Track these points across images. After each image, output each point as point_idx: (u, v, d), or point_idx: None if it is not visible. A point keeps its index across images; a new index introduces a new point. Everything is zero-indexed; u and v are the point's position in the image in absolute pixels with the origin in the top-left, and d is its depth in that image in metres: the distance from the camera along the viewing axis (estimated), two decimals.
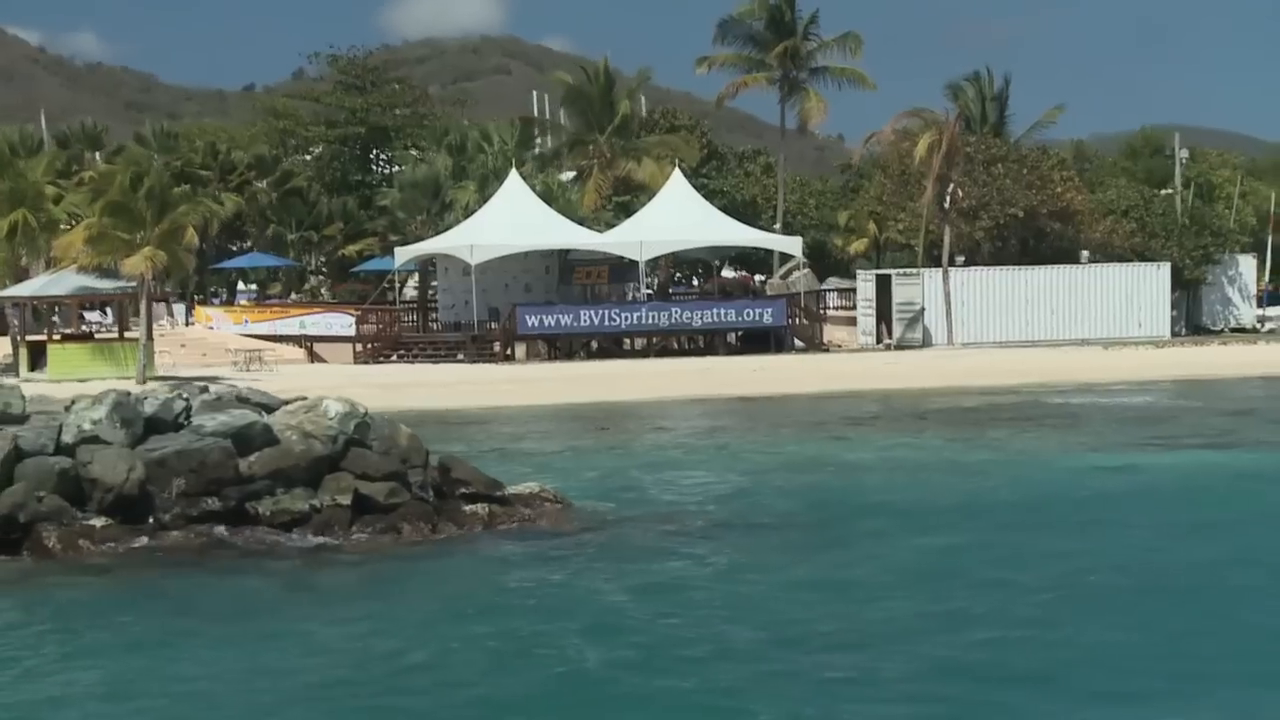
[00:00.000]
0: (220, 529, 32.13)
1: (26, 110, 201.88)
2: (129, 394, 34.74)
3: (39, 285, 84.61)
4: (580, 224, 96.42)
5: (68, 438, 32.47)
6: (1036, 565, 30.87)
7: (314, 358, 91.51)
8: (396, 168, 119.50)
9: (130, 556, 31.20)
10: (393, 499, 33.64)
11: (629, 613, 27.97)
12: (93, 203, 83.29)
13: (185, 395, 35.25)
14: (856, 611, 27.25)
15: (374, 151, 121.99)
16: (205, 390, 37.01)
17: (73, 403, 34.16)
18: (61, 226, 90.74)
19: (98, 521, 31.64)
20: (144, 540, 31.63)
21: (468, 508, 34.68)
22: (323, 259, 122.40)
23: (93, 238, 79.28)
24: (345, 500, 33.22)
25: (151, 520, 31.96)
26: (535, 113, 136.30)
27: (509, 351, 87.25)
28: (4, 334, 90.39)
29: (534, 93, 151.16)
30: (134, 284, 79.60)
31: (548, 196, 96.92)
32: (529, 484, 37.04)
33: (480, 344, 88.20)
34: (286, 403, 35.44)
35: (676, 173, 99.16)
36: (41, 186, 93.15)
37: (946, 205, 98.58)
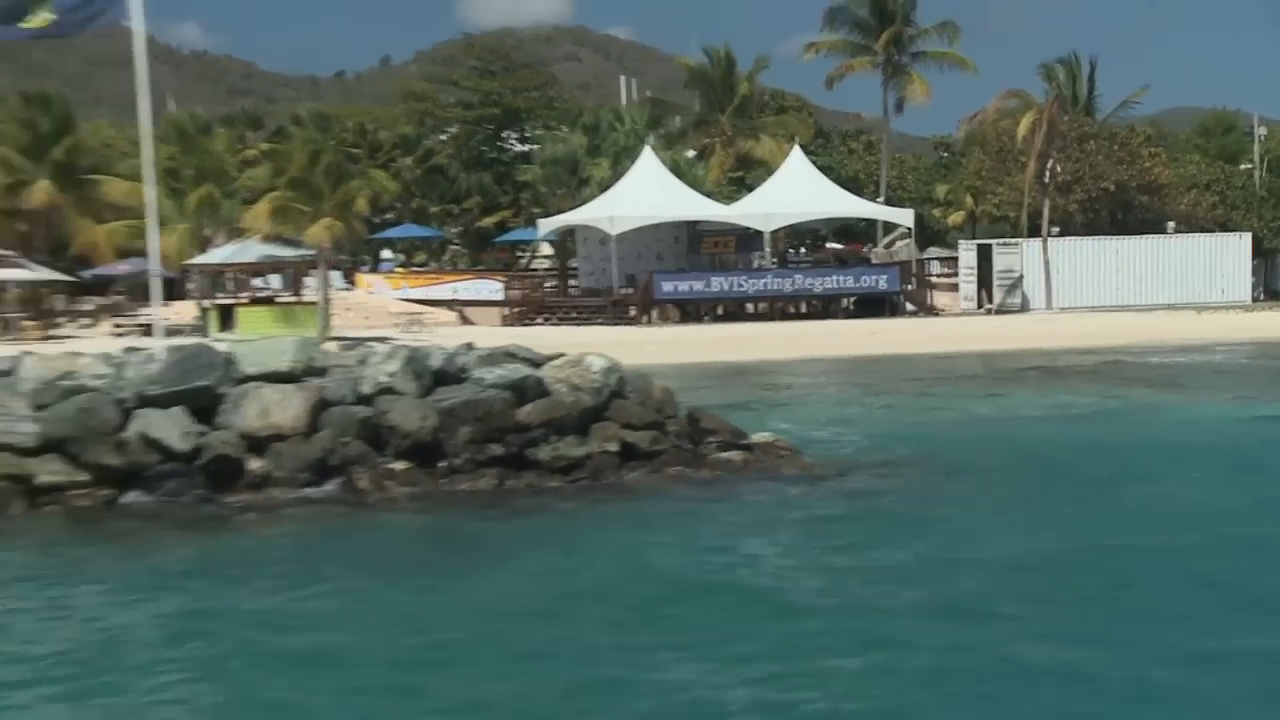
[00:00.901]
0: (504, 472, 32.71)
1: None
2: (419, 349, 35.49)
3: (229, 253, 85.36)
4: (707, 197, 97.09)
5: (366, 389, 33.12)
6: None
7: (465, 321, 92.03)
8: (530, 146, 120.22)
9: (428, 495, 31.87)
10: (655, 446, 34.18)
11: (891, 542, 28.37)
12: (275, 177, 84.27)
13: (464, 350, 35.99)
14: (1129, 549, 27.02)
15: (506, 131, 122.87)
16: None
17: (364, 358, 35.09)
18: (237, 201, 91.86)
19: (398, 465, 32.52)
20: (438, 482, 32.46)
21: (720, 454, 35.17)
22: (460, 230, 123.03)
23: (277, 210, 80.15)
24: (613, 447, 33.63)
25: (443, 464, 32.81)
26: (624, 98, 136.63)
27: (646, 315, 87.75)
28: (180, 299, 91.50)
29: (622, 78, 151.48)
30: (312, 252, 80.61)
31: (676, 172, 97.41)
32: (762, 433, 37.13)
33: (619, 308, 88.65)
34: (551, 358, 36.11)
35: (796, 149, 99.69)
36: (224, 163, 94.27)
37: (1046, 180, 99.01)
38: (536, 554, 27.87)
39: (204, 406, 31.87)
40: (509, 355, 35.49)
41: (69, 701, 19.26)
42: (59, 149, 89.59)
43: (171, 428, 31.41)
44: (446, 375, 33.97)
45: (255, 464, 31.57)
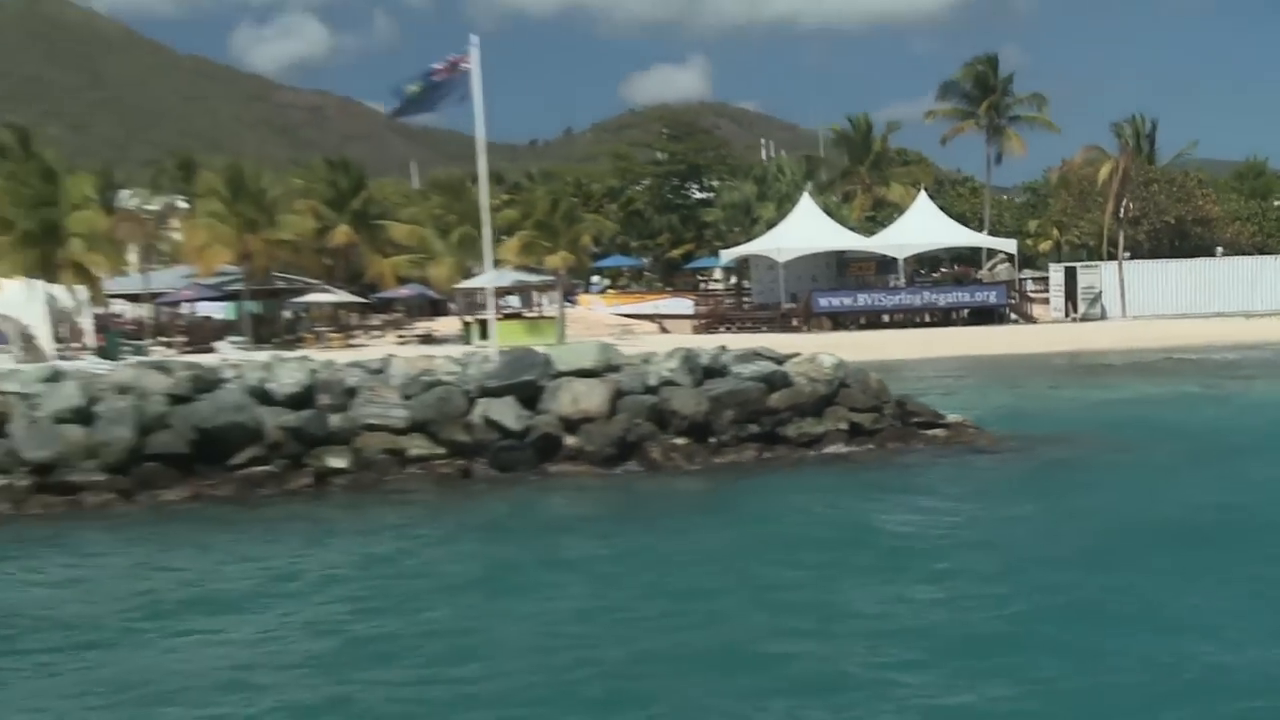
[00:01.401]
0: (761, 446, 33.44)
1: (382, 164, 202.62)
2: (692, 350, 36.14)
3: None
4: (852, 231, 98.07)
5: (652, 381, 33.82)
6: None
7: (663, 330, 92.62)
8: (707, 194, 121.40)
9: (703, 465, 32.47)
10: (875, 425, 34.72)
11: (1088, 492, 29.02)
12: (522, 220, 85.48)
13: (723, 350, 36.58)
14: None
15: (689, 182, 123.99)
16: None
17: (649, 358, 35.82)
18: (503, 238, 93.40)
19: (679, 440, 33.23)
20: (710, 454, 33.07)
21: (926, 431, 35.71)
22: (654, 259, 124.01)
23: (525, 245, 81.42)
24: (843, 426, 34.27)
25: (713, 440, 33.48)
26: (763, 156, 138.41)
27: (806, 325, 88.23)
28: (442, 315, 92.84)
29: (763, 141, 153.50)
30: (551, 277, 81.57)
31: (827, 212, 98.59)
32: (954, 415, 37.31)
33: (785, 319, 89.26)
34: (790, 356, 36.68)
35: (923, 194, 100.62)
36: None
37: (1120, 216, 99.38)
38: (786, 508, 28.42)
39: (530, 396, 32.72)
40: (757, 354, 36.01)
41: (466, 606, 20.78)
42: (356, 201, 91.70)
43: (507, 412, 32.27)
44: (713, 370, 34.67)
45: (570, 440, 32.39)
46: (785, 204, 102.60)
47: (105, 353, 64.52)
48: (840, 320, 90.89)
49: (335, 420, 31.68)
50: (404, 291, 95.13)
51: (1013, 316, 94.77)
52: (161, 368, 33.80)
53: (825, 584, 21.44)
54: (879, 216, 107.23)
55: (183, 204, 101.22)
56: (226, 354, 56.69)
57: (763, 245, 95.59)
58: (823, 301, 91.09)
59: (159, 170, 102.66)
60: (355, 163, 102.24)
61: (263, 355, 45.79)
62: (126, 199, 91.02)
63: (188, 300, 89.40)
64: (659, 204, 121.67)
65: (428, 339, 79.67)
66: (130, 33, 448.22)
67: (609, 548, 25.12)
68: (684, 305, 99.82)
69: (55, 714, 16.10)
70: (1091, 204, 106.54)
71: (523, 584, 22.26)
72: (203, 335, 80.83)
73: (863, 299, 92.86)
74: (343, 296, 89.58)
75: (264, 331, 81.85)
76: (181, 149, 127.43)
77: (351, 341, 79.05)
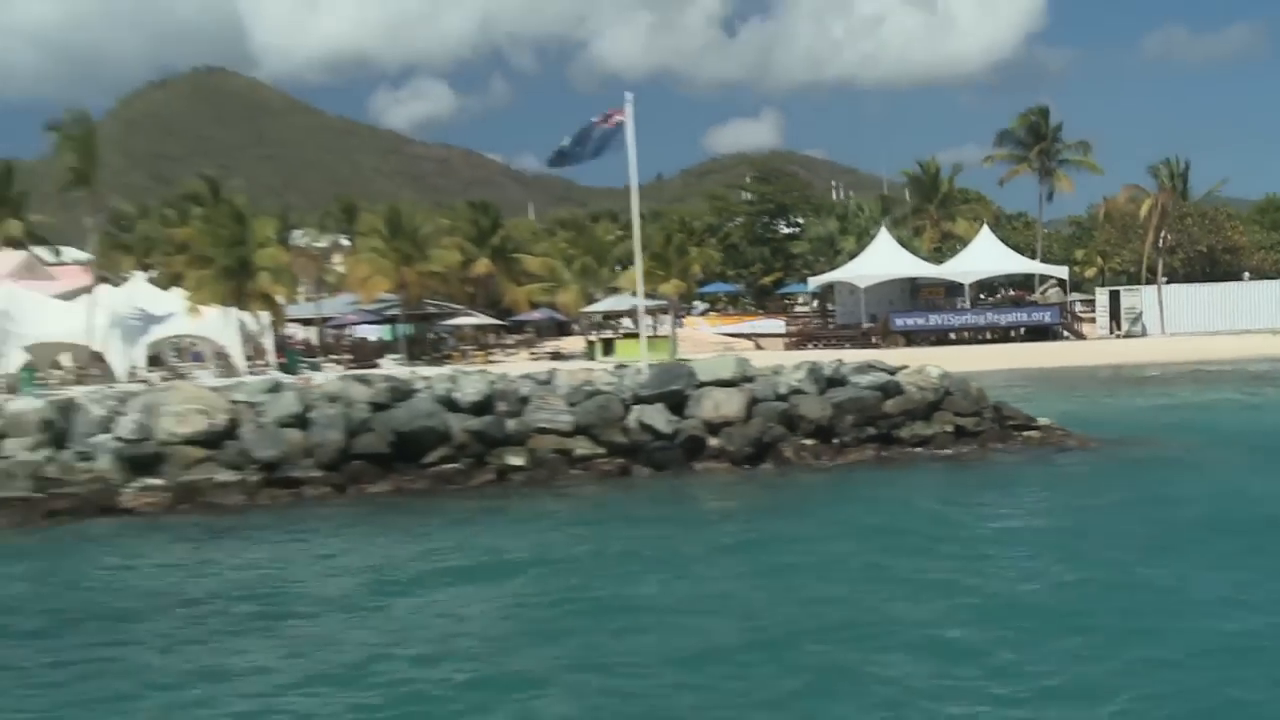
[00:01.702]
0: (879, 447, 33.62)
1: (501, 206, 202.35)
2: (817, 363, 36.29)
3: (609, 304, 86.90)
4: (924, 260, 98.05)
5: (782, 390, 34.05)
6: None
7: (758, 348, 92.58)
8: (793, 229, 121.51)
9: (829, 463, 32.56)
10: (977, 427, 34.84)
11: (1179, 485, 28.74)
12: (642, 250, 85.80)
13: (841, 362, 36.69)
14: None
15: (777, 219, 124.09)
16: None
17: (779, 369, 36.02)
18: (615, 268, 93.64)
19: (807, 441, 33.44)
20: (834, 454, 33.16)
21: (1022, 434, 35.66)
22: (748, 285, 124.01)
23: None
24: (949, 428, 34.42)
25: (836, 441, 33.62)
26: (834, 197, 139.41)
27: (883, 342, 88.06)
28: (566, 335, 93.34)
29: (833, 183, 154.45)
30: (664, 302, 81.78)
31: (901, 243, 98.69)
32: (1043, 418, 37.06)
33: (865, 337, 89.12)
34: (901, 368, 36.78)
35: (985, 228, 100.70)
36: (602, 244, 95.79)
37: (1159, 246, 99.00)
38: (907, 499, 28.54)
39: (677, 403, 32.99)
40: (871, 366, 36.12)
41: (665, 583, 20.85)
42: (494, 237, 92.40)
43: (658, 417, 32.53)
44: (834, 380, 34.86)
45: (713, 441, 32.66)
46: (864, 237, 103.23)
47: (285, 369, 65.26)
48: (913, 338, 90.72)
49: (512, 424, 32.09)
50: (535, 315, 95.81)
51: (1065, 334, 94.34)
52: (363, 380, 34.30)
53: (946, 561, 21.62)
54: (945, 248, 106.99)
55: (344, 241, 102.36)
56: (389, 369, 57.12)
57: (846, 273, 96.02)
58: (899, 321, 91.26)
59: (325, 213, 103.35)
60: (493, 204, 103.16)
61: (426, 370, 46.27)
62: (298, 237, 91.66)
63: (352, 324, 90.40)
64: (751, 238, 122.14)
65: (556, 356, 79.93)
66: (288, 97, 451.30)
67: (756, 532, 25.34)
68: (776, 325, 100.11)
69: (296, 671, 16.47)
70: (1132, 235, 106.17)
71: (686, 562, 22.59)
72: (365, 354, 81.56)
73: (933, 319, 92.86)
74: (483, 319, 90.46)
75: (416, 350, 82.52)
76: (328, 195, 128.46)
77: (490, 358, 79.30)
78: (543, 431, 32.01)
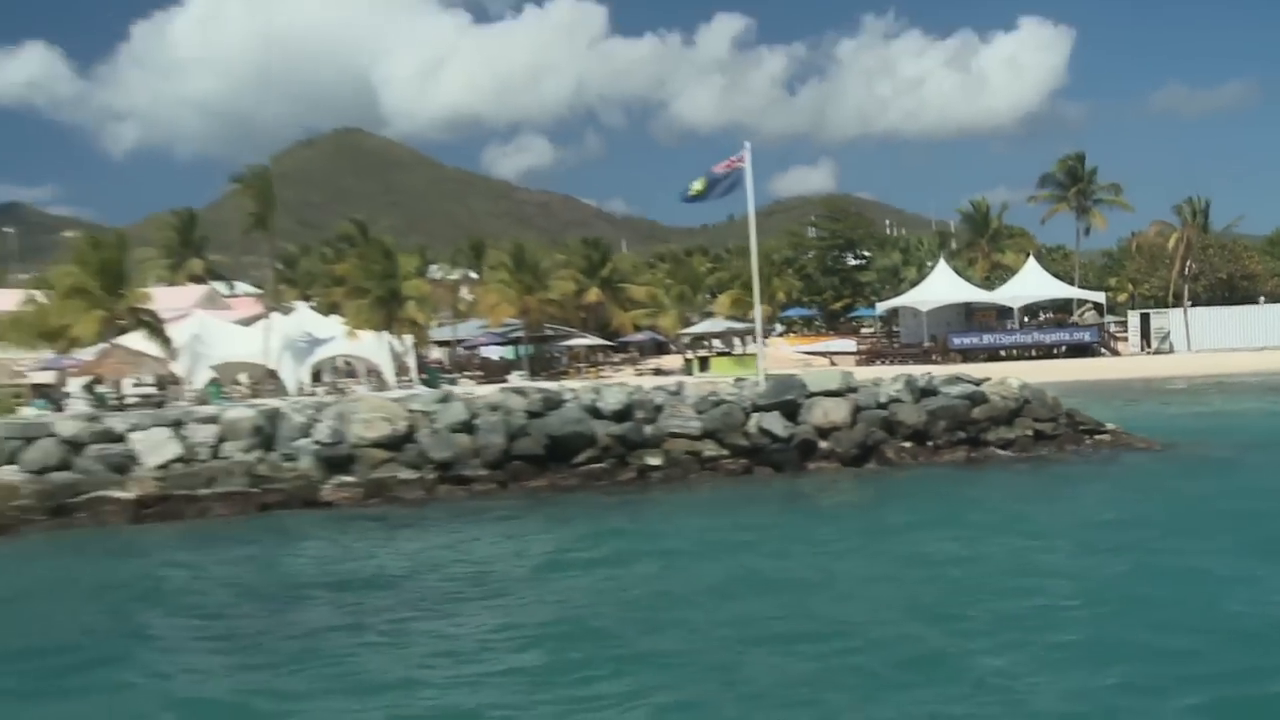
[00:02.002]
0: (969, 449, 33.52)
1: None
2: (913, 375, 36.26)
3: (704, 327, 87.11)
4: (977, 287, 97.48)
5: (882, 399, 34.08)
6: None
7: (832, 364, 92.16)
8: (859, 261, 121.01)
9: (925, 463, 32.66)
10: (1055, 431, 34.72)
11: (1244, 477, 29.10)
12: (731, 281, 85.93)
13: (930, 375, 36.61)
14: None
15: (845, 252, 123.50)
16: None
17: (879, 381, 36.03)
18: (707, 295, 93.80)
19: (905, 444, 33.47)
20: (930, 455, 33.21)
21: (1093, 437, 35.40)
22: (820, 310, 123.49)
23: (734, 301, 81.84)
24: (1029, 432, 34.25)
25: (929, 444, 33.59)
26: (889, 233, 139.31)
27: (941, 358, 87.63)
28: (664, 354, 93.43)
29: (886, 221, 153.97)
30: (751, 324, 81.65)
31: (957, 272, 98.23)
32: (1110, 424, 36.63)
33: (926, 354, 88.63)
34: (984, 379, 36.61)
35: (1031, 259, 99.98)
36: (698, 274, 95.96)
37: (1185, 274, 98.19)
38: (1000, 493, 28.75)
39: (791, 411, 33.06)
40: (959, 378, 36.07)
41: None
42: (604, 270, 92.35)
43: (776, 423, 32.63)
44: (927, 390, 34.83)
45: (823, 444, 32.72)
46: (923, 267, 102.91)
47: (427, 384, 65.63)
48: (968, 354, 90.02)
49: (649, 429, 32.25)
50: (638, 336, 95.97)
51: (1102, 351, 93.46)
52: (519, 392, 34.55)
53: (1043, 546, 21.77)
54: (994, 276, 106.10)
55: (472, 275, 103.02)
56: (519, 383, 57.49)
57: (909, 299, 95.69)
58: (956, 340, 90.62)
59: (456, 250, 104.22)
60: (601, 241, 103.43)
61: (544, 384, 46.58)
62: (434, 271, 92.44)
63: (480, 345, 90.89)
64: (823, 269, 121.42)
65: (657, 372, 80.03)
66: (413, 152, 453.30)
67: (877, 521, 25.46)
68: (848, 344, 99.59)
69: (499, 633, 16.82)
70: (1160, 264, 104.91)
71: (818, 543, 22.74)
72: (492, 371, 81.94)
73: (986, 338, 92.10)
74: (593, 340, 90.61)
75: (536, 367, 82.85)
76: (447, 237, 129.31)
77: (600, 374, 79.57)
78: (675, 436, 32.17)
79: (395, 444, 30.75)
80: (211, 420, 31.51)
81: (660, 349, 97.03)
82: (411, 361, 74.44)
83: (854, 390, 34.24)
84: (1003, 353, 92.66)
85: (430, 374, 73.52)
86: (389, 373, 68.09)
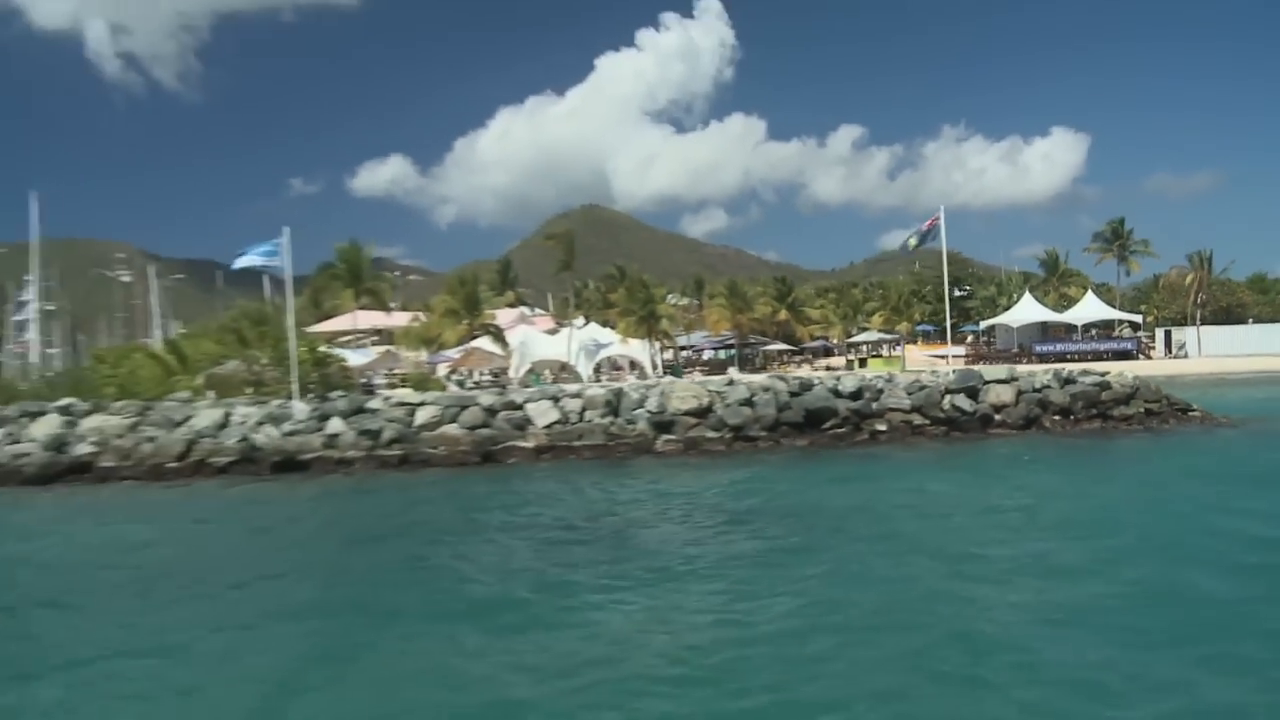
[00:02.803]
0: (1102, 422, 32.16)
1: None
2: (1060, 368, 35.11)
3: (862, 337, 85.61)
4: (1050, 310, 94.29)
5: (1037, 385, 32.81)
6: None
7: (948, 363, 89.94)
8: (963, 292, 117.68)
9: (1072, 432, 31.24)
10: (1160, 410, 33.13)
11: None
12: (882, 304, 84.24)
13: (1065, 371, 35.29)
14: None
15: (954, 286, 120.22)
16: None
17: (1033, 373, 34.84)
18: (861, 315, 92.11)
19: (1055, 417, 32.08)
20: (1075, 426, 31.87)
21: (1187, 415, 33.58)
22: (935, 326, 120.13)
23: (885, 319, 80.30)
24: (1143, 410, 32.69)
25: (1072, 417, 32.11)
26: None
27: (1028, 361, 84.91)
28: (830, 356, 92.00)
29: (916, 263, 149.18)
30: (895, 336, 79.94)
31: (1037, 300, 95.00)
32: (1195, 405, 34.62)
33: (1015, 358, 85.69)
34: (1106, 372, 35.27)
35: (1090, 292, 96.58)
36: (856, 299, 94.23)
37: (1197, 303, 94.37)
38: (1134, 455, 27.32)
39: (973, 392, 32.14)
40: (1087, 372, 34.87)
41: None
42: (790, 297, 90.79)
43: (964, 401, 31.77)
44: (1069, 380, 33.65)
45: (998, 417, 31.72)
46: (1012, 297, 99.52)
47: (672, 373, 65.47)
48: (1044, 358, 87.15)
49: (874, 404, 31.59)
50: (813, 344, 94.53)
51: (1139, 355, 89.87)
52: (781, 378, 34.11)
53: (1188, 491, 20.29)
54: (1061, 303, 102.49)
55: (694, 301, 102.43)
56: (734, 376, 56.83)
57: (1003, 318, 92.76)
58: (1037, 348, 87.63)
59: (684, 285, 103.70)
60: (786, 277, 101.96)
61: (754, 376, 45.84)
62: (671, 299, 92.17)
63: (705, 349, 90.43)
64: (935, 297, 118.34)
65: (828, 368, 78.57)
66: (635, 219, 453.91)
67: (1051, 470, 24.69)
68: (959, 350, 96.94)
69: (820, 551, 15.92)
70: (1178, 296, 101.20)
71: (1010, 493, 21.58)
72: (713, 367, 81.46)
73: (1058, 346, 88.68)
74: (782, 346, 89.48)
75: (743, 364, 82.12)
76: (654, 280, 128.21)
77: (787, 370, 78.46)
78: (892, 410, 31.51)
79: (701, 413, 30.60)
80: (577, 396, 31.67)
81: (827, 352, 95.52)
82: (659, 360, 74.35)
83: (1016, 379, 33.20)
84: (1069, 356, 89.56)
85: (674, 368, 73.44)
86: (649, 367, 68.12)
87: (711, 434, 30.00)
